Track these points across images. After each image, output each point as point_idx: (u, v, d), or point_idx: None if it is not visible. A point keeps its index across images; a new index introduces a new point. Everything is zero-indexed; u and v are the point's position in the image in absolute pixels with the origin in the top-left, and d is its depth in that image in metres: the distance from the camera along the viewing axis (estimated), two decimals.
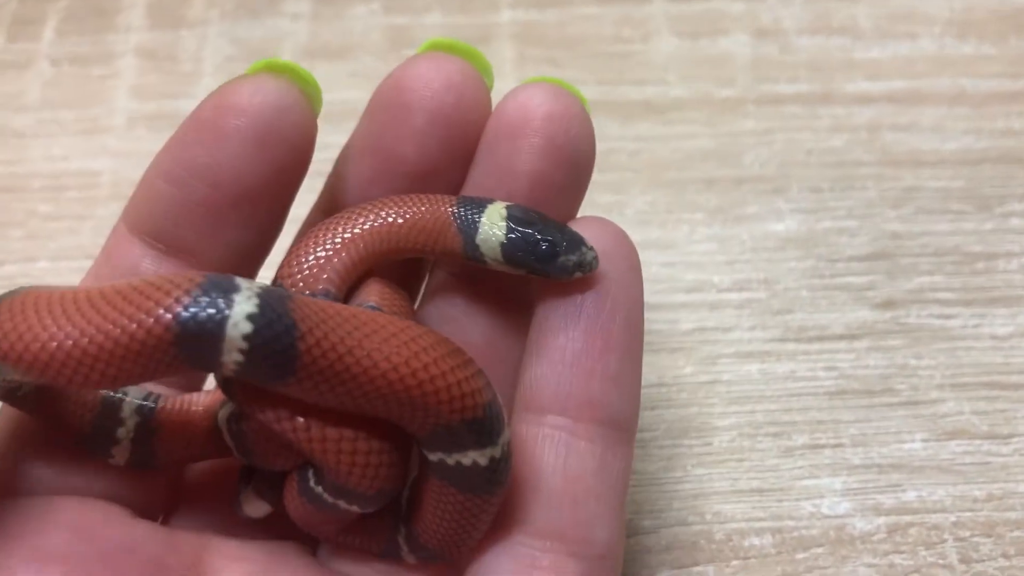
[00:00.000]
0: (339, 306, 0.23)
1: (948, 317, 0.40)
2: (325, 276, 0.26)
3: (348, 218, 0.27)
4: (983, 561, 0.34)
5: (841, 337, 0.39)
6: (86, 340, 0.21)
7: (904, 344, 0.39)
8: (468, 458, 0.24)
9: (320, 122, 0.45)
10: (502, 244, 0.26)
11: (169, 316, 0.21)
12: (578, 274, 0.25)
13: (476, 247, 0.26)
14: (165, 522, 0.27)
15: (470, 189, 0.27)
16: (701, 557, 0.35)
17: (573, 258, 0.25)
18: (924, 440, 0.37)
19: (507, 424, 0.24)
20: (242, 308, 0.21)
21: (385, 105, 0.27)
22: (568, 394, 0.26)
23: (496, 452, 0.24)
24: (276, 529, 0.27)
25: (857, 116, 0.45)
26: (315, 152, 0.39)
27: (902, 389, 0.38)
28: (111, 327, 0.21)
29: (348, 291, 0.27)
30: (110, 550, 0.24)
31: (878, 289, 0.40)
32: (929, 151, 0.44)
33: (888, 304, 0.40)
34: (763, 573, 0.34)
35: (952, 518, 0.35)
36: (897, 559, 0.35)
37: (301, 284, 0.26)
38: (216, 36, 0.47)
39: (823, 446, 0.37)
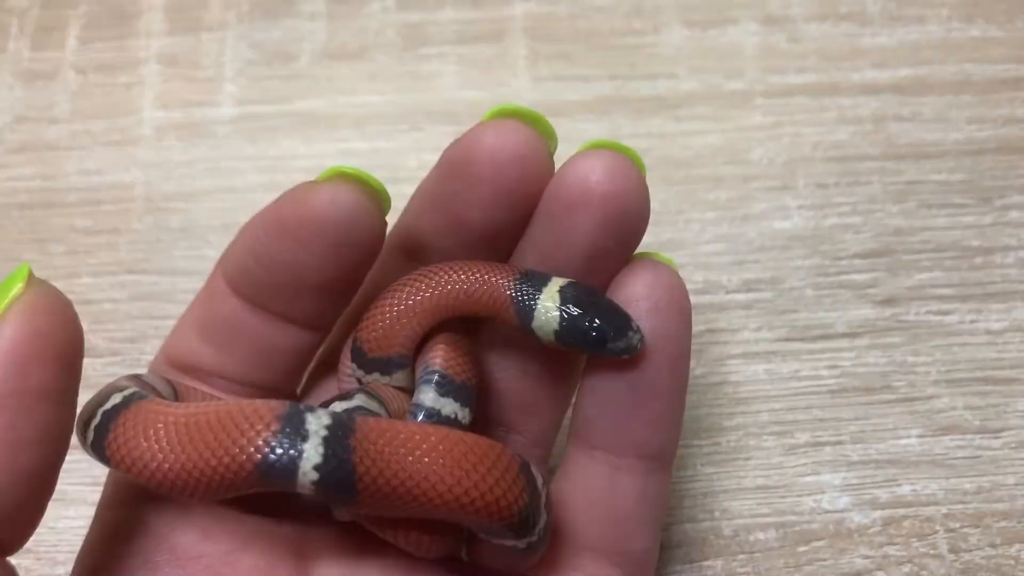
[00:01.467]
0: (397, 428, 0.26)
1: (945, 313, 0.42)
2: (398, 342, 0.29)
3: (415, 286, 0.29)
4: (971, 551, 0.37)
5: (844, 335, 0.41)
6: (184, 471, 0.25)
7: (903, 341, 0.41)
8: (509, 543, 0.27)
9: (342, 125, 0.46)
10: (555, 332, 0.28)
11: (252, 461, 0.24)
12: (625, 355, 0.28)
13: (532, 331, 0.29)
14: (272, 514, 0.31)
15: (528, 247, 0.30)
16: (710, 552, 0.38)
17: (620, 344, 0.28)
18: (919, 436, 0.39)
19: (544, 508, 0.27)
20: (310, 457, 0.24)
21: (453, 172, 0.29)
22: (614, 436, 0.29)
23: (533, 538, 0.27)
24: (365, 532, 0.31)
25: (863, 107, 0.46)
26: (346, 158, 0.43)
27: (900, 386, 0.40)
28: (203, 463, 0.24)
29: (418, 347, 0.30)
30: (231, 547, 0.28)
31: (880, 286, 0.42)
32: (932, 142, 0.45)
33: (889, 301, 0.42)
34: (767, 566, 0.37)
35: (943, 510, 0.38)
36: (891, 550, 0.38)
37: (378, 348, 0.30)
38: (235, 39, 0.48)
39: (824, 444, 0.39)
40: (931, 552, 0.37)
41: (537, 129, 0.29)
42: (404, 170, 0.45)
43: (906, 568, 0.37)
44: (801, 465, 0.39)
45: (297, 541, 0.29)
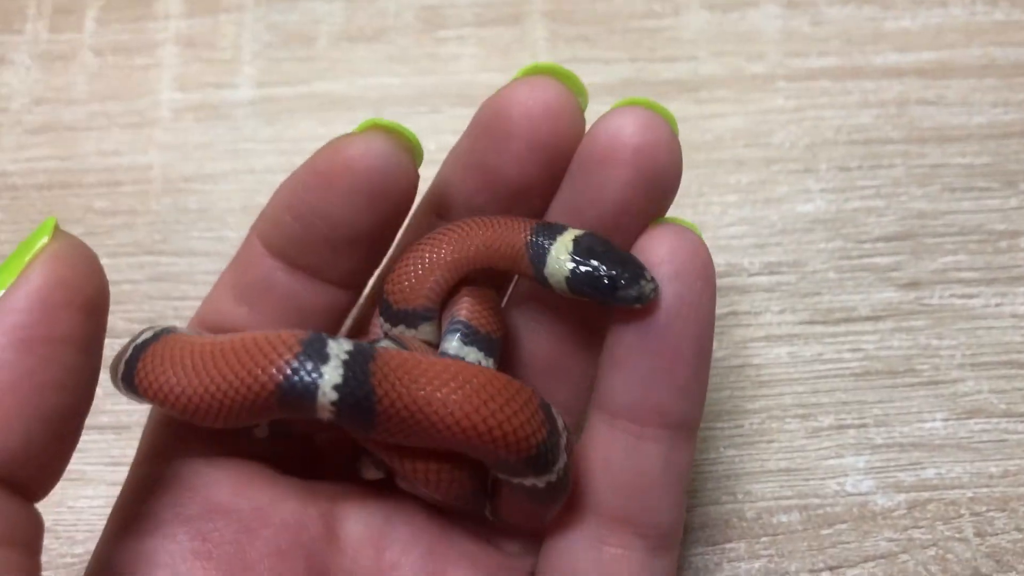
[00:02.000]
0: (417, 358, 0.26)
1: (970, 297, 0.41)
2: (423, 294, 0.30)
3: (439, 240, 0.30)
4: (997, 535, 0.37)
5: (867, 319, 0.41)
6: (208, 394, 0.25)
7: (927, 325, 0.41)
8: (528, 481, 0.27)
9: (360, 107, 0.46)
10: (567, 278, 0.28)
11: (274, 382, 0.25)
12: (637, 305, 0.27)
13: (544, 278, 0.28)
14: (305, 477, 0.31)
15: (559, 206, 0.30)
16: (733, 534, 0.37)
17: (632, 292, 0.27)
18: (944, 419, 0.39)
19: (564, 449, 0.27)
20: (330, 378, 0.25)
21: (487, 128, 0.29)
22: (638, 404, 0.29)
23: (552, 477, 0.27)
24: (397, 490, 0.31)
25: (886, 90, 0.46)
26: None
27: (924, 369, 0.40)
28: (227, 386, 0.25)
29: (444, 301, 0.30)
30: (263, 503, 0.29)
31: (903, 269, 0.42)
32: (956, 125, 0.45)
33: (913, 284, 0.42)
34: (790, 548, 0.37)
35: (969, 494, 0.38)
36: (916, 534, 0.37)
37: (403, 300, 0.30)
38: (253, 22, 0.48)
39: (848, 426, 0.39)
40: (957, 536, 0.37)
41: (568, 86, 0.29)
42: (426, 152, 0.44)
43: (931, 551, 0.37)
44: (824, 448, 0.39)
45: (328, 501, 0.30)
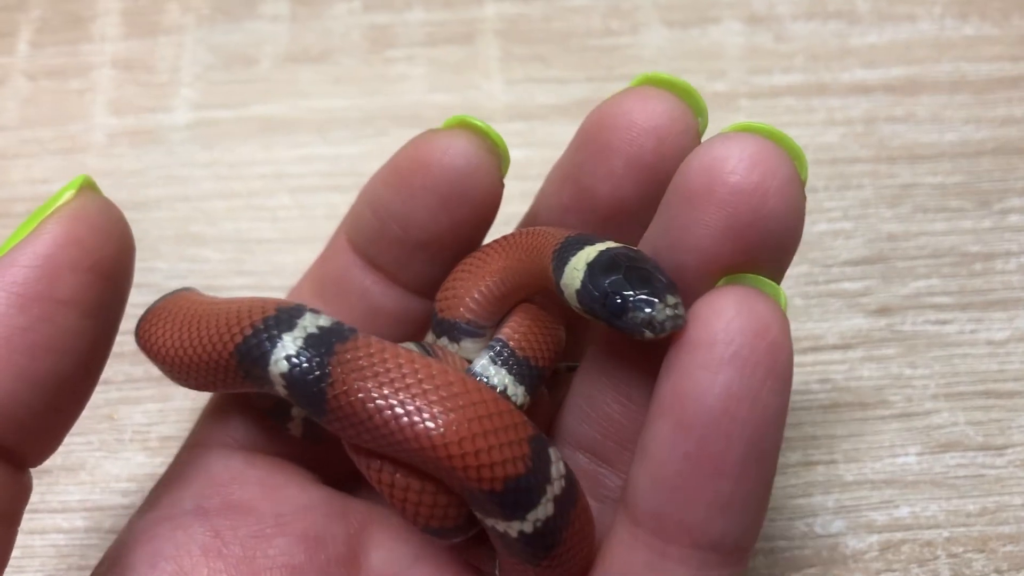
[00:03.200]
0: (397, 350, 0.23)
1: (944, 323, 0.39)
2: (467, 306, 0.27)
3: (489, 248, 0.27)
4: None
5: (835, 347, 0.39)
6: (183, 351, 0.24)
7: (899, 353, 0.39)
8: (500, 526, 0.23)
9: (303, 130, 0.44)
10: (577, 291, 0.23)
11: (232, 346, 0.23)
12: (648, 334, 0.22)
13: (561, 291, 0.24)
14: (346, 490, 0.29)
15: (650, 242, 0.25)
16: None
17: (639, 316, 0.22)
18: (918, 453, 0.37)
19: (552, 500, 0.23)
20: (284, 349, 0.23)
21: (588, 139, 0.26)
22: (662, 515, 0.23)
23: (526, 527, 0.23)
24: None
25: (853, 108, 0.44)
26: (307, 165, 0.41)
27: (896, 400, 0.38)
28: (199, 346, 0.24)
29: (495, 317, 0.27)
30: (286, 509, 0.27)
31: (873, 295, 0.40)
32: (927, 144, 0.43)
33: (883, 310, 0.39)
34: None
35: (945, 533, 0.35)
36: None
37: (448, 310, 0.27)
38: (193, 43, 0.46)
39: (816, 463, 0.37)
40: None
41: (686, 102, 0.26)
42: (368, 177, 0.42)
43: None
44: (791, 486, 0.36)
45: (358, 522, 0.28)
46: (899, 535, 0.35)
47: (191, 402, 0.37)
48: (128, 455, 0.37)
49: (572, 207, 0.27)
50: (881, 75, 0.45)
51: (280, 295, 0.32)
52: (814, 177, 0.42)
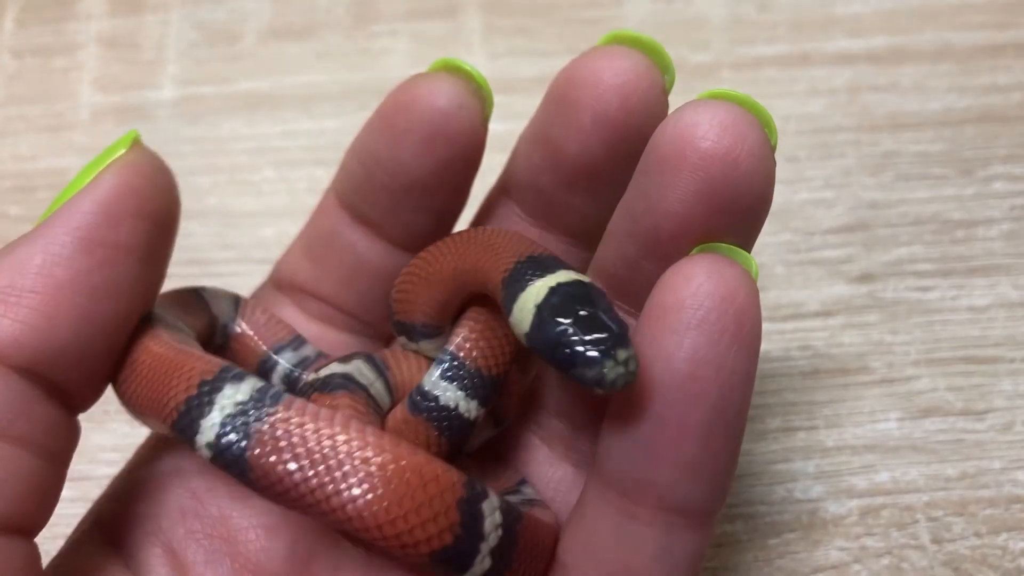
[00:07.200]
0: (320, 415, 0.23)
1: (926, 290, 0.39)
2: (417, 308, 0.27)
3: (440, 249, 0.27)
4: (955, 541, 0.35)
5: (817, 315, 0.39)
6: (144, 403, 0.24)
7: (880, 320, 0.39)
8: None
9: (288, 106, 0.44)
10: (525, 335, 0.23)
11: (169, 410, 0.23)
12: (599, 391, 0.22)
13: (510, 325, 0.24)
14: None
15: (622, 206, 0.25)
16: None
17: (590, 373, 0.21)
18: (899, 419, 0.37)
19: (485, 556, 0.23)
20: (204, 436, 0.23)
21: (555, 97, 0.26)
22: (630, 477, 0.23)
23: None
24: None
25: (836, 77, 0.44)
26: (291, 139, 0.41)
27: (877, 367, 0.38)
28: (153, 404, 0.24)
29: (450, 316, 0.27)
30: (258, 523, 0.26)
31: (855, 262, 0.40)
32: (910, 112, 0.43)
33: (865, 278, 0.39)
34: (735, 560, 0.35)
35: (925, 498, 0.35)
36: (869, 541, 0.35)
37: (401, 312, 0.27)
38: (178, 20, 0.46)
39: (796, 428, 0.37)
40: (912, 543, 0.35)
41: (652, 59, 0.25)
42: None
43: (886, 560, 0.35)
44: (771, 452, 0.37)
45: (330, 547, 0.26)
46: (879, 500, 0.35)
47: None
48: (114, 426, 0.37)
49: (543, 166, 0.27)
50: (865, 44, 0.45)
51: (263, 267, 0.32)
52: (797, 147, 0.42)
